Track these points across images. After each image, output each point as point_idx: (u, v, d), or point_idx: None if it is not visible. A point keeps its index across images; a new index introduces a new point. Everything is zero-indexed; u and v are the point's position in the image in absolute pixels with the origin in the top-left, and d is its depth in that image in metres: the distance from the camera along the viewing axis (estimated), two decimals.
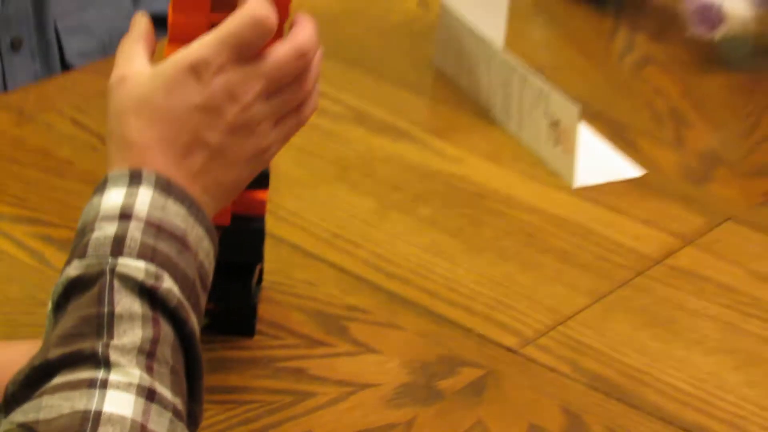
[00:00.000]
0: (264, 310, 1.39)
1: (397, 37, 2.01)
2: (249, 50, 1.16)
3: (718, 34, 1.97)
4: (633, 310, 1.46)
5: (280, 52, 1.17)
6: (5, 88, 1.90)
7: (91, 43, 2.00)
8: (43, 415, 0.96)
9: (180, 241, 1.11)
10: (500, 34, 1.89)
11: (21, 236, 1.50)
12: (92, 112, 1.74)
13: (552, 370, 1.36)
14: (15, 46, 1.92)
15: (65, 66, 1.97)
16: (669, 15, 2.13)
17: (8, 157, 1.66)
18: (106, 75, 1.70)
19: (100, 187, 1.13)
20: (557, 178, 1.69)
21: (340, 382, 1.31)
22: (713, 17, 1.96)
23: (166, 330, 1.05)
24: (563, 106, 1.66)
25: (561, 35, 2.09)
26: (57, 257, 1.45)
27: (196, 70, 1.14)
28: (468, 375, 1.34)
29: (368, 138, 1.75)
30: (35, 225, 1.53)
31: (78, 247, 1.09)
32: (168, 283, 1.07)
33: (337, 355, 1.36)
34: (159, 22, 2.06)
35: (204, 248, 1.13)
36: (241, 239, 1.29)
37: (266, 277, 1.42)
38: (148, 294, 1.05)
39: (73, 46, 1.98)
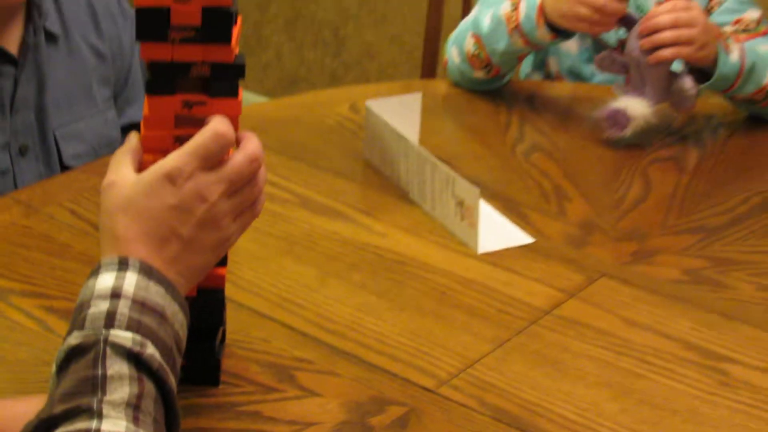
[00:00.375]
0: (227, 363, 1.40)
1: (332, 136, 2.03)
2: (213, 159, 1.20)
3: (628, 132, 2.00)
4: (528, 354, 1.48)
5: (237, 159, 1.21)
6: (15, 186, 1.90)
7: (83, 148, 2.00)
8: None
9: (160, 315, 1.15)
10: (415, 131, 1.93)
11: (28, 308, 1.50)
12: (86, 204, 1.74)
13: (463, 406, 1.37)
14: (22, 152, 1.92)
15: (64, 167, 1.96)
16: (553, 110, 2.20)
17: (18, 243, 1.65)
18: (97, 173, 1.74)
19: (95, 271, 1.17)
20: (464, 247, 1.70)
21: (290, 422, 1.32)
22: (622, 120, 2.00)
23: (149, 387, 1.09)
24: (466, 189, 1.69)
25: (465, 129, 2.10)
26: (59, 325, 1.46)
27: (171, 177, 1.18)
28: (394, 412, 1.35)
29: (310, 218, 1.75)
30: (40, 298, 1.52)
31: (77, 320, 1.13)
32: (151, 350, 1.11)
33: (287, 399, 1.37)
34: (136, 128, 2.08)
35: (179, 320, 1.17)
36: (205, 308, 1.29)
37: (228, 335, 1.42)
38: (134, 358, 1.10)
39: (69, 151, 1.97)
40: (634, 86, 2.04)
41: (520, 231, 1.78)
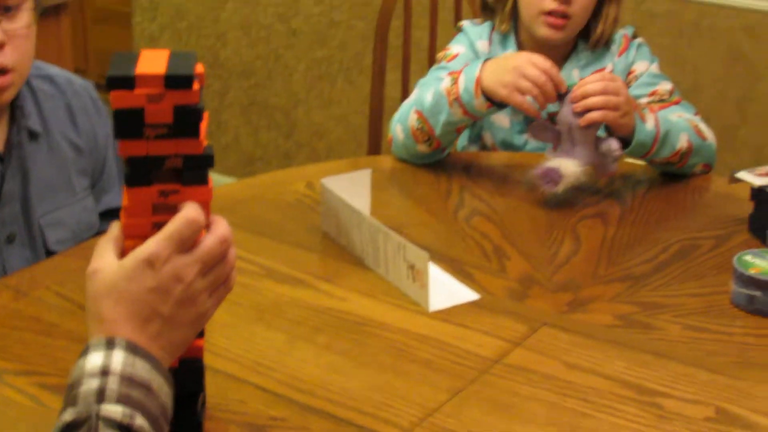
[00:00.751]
0: (208, 425, 1.38)
1: (291, 211, 2.03)
2: (187, 243, 1.20)
3: (560, 188, 2.01)
4: (482, 400, 1.47)
5: (209, 241, 1.22)
6: (4, 271, 1.88)
7: (66, 234, 1.98)
8: None
9: (147, 388, 1.14)
10: (366, 204, 1.93)
11: (22, 386, 1.48)
12: (71, 286, 1.72)
13: None
14: (10, 239, 1.90)
15: (48, 252, 1.95)
16: (489, 177, 2.20)
17: (9, 325, 1.63)
18: (79, 257, 1.76)
19: (84, 352, 1.17)
20: (417, 306, 1.70)
21: None
22: (555, 177, 2.00)
23: None
24: (416, 254, 1.69)
25: (410, 199, 2.11)
26: (51, 399, 1.44)
27: (150, 261, 1.18)
28: None
29: (276, 287, 1.75)
30: (33, 376, 1.50)
31: (69, 397, 1.13)
32: (140, 421, 1.11)
33: None
34: (112, 214, 2.09)
35: (164, 391, 1.17)
36: (187, 377, 1.29)
37: (208, 399, 1.40)
38: (125, 430, 1.09)
39: (52, 237, 1.96)
40: (565, 150, 2.05)
41: (467, 289, 1.77)
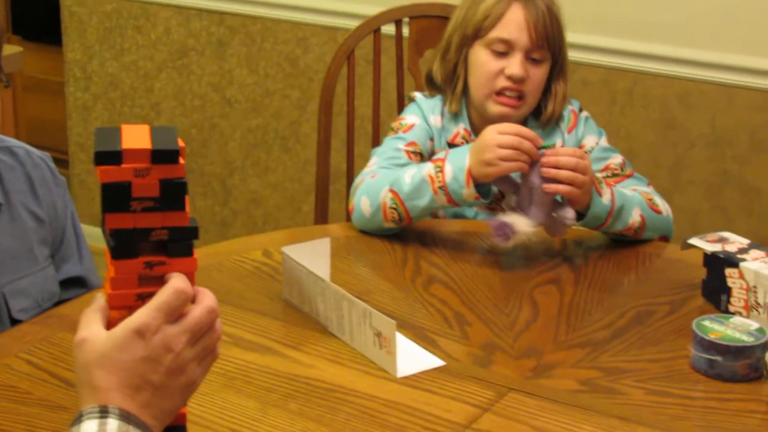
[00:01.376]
0: None
1: (250, 280, 2.03)
2: (175, 313, 1.21)
3: (511, 243, 2.03)
4: None
5: (197, 312, 1.23)
6: None
7: (28, 302, 1.96)
8: None
9: None
10: (327, 272, 1.93)
11: None
12: (40, 354, 1.72)
13: None
14: None
15: (12, 320, 1.93)
16: (443, 244, 2.21)
17: None
18: (44, 325, 1.79)
19: (77, 419, 1.17)
20: (384, 372, 1.71)
21: None
22: (507, 231, 2.02)
23: None
24: (383, 321, 1.70)
25: (368, 267, 2.11)
26: None
27: (140, 332, 1.19)
28: None
29: (243, 355, 1.74)
30: None
31: None
32: None
33: None
34: (72, 282, 2.08)
35: None
36: None
37: None
38: None
39: (16, 306, 1.94)
40: (521, 206, 2.08)
41: (431, 355, 1.78)
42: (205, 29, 3.91)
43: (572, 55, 3.23)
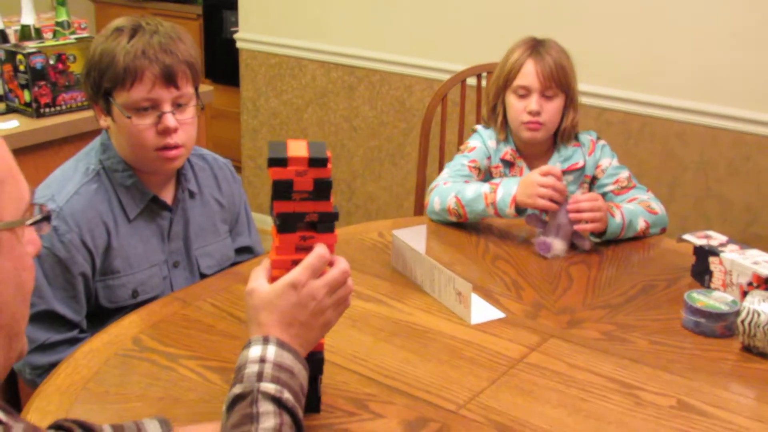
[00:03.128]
0: (324, 398, 1.40)
1: (369, 252, 2.03)
2: (318, 272, 1.22)
3: (549, 256, 2.02)
4: (510, 387, 1.48)
5: (335, 272, 1.24)
6: (172, 288, 1.88)
7: (213, 262, 1.97)
8: None
9: (291, 372, 1.16)
10: (423, 248, 1.94)
11: (193, 366, 1.51)
12: (221, 299, 1.73)
13: (475, 421, 1.38)
14: (175, 265, 1.90)
15: (201, 275, 1.93)
16: (503, 234, 2.18)
17: (180, 325, 1.64)
18: (224, 279, 1.75)
19: (247, 345, 1.18)
20: (462, 320, 1.71)
21: None
22: (548, 246, 2.03)
23: (287, 419, 1.11)
24: (462, 284, 1.70)
25: (451, 246, 2.09)
26: (214, 377, 1.46)
27: (293, 284, 1.21)
28: (432, 427, 1.36)
29: (363, 304, 1.75)
30: (199, 360, 1.52)
31: (238, 377, 1.15)
32: (287, 395, 1.12)
33: (363, 420, 1.37)
34: (243, 250, 2.08)
35: (302, 375, 1.18)
36: (312, 364, 1.29)
37: (323, 380, 1.39)
38: (276, 401, 1.11)
39: (204, 264, 1.94)
40: (549, 234, 2.06)
41: (496, 309, 1.78)
42: (340, 78, 3.92)
43: (599, 102, 3.24)
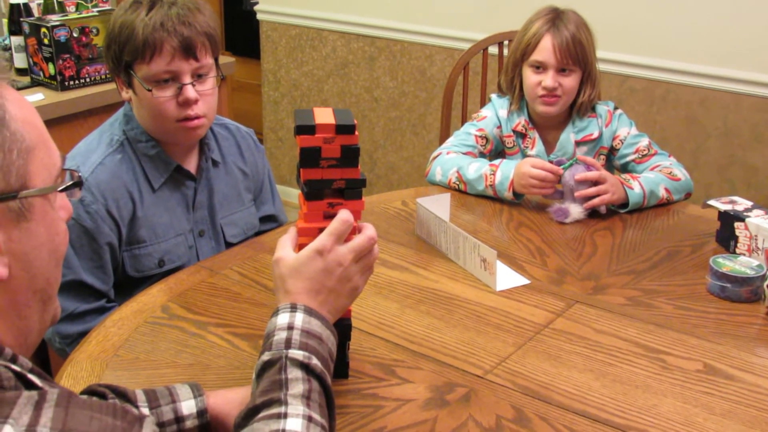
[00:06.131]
0: (352, 364, 1.40)
1: (393, 220, 2.03)
2: (343, 236, 1.21)
3: (567, 221, 2.03)
4: (538, 352, 1.48)
5: (361, 239, 1.23)
6: (197, 257, 1.89)
7: (238, 231, 1.98)
8: None
9: (319, 338, 1.16)
10: (447, 216, 1.93)
11: (221, 334, 1.51)
12: (247, 267, 1.74)
13: (502, 386, 1.38)
14: (201, 234, 1.91)
15: (227, 243, 1.95)
16: (525, 203, 2.17)
17: (208, 293, 1.64)
18: (249, 248, 1.78)
19: (275, 313, 1.18)
20: (487, 287, 1.71)
21: (395, 399, 1.34)
22: (564, 213, 2.04)
23: (315, 385, 1.10)
24: (487, 251, 1.70)
25: (475, 215, 2.08)
26: (242, 344, 1.47)
27: (320, 251, 1.20)
28: (460, 391, 1.37)
29: (388, 272, 1.75)
30: (227, 327, 1.53)
31: (266, 344, 1.15)
32: (315, 361, 1.12)
33: (392, 385, 1.38)
34: (268, 218, 2.08)
35: (331, 341, 1.18)
36: (340, 331, 1.30)
37: (351, 346, 1.42)
38: (305, 367, 1.11)
39: (229, 233, 1.96)
40: (566, 199, 2.08)
41: (521, 276, 1.78)
42: (361, 48, 3.91)
43: (622, 70, 3.22)
